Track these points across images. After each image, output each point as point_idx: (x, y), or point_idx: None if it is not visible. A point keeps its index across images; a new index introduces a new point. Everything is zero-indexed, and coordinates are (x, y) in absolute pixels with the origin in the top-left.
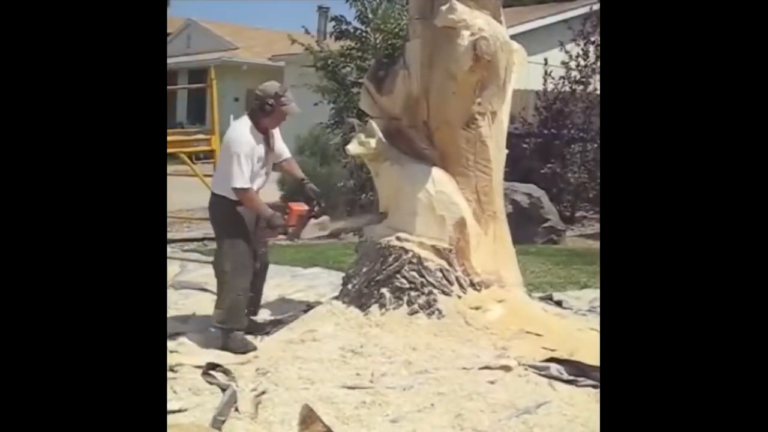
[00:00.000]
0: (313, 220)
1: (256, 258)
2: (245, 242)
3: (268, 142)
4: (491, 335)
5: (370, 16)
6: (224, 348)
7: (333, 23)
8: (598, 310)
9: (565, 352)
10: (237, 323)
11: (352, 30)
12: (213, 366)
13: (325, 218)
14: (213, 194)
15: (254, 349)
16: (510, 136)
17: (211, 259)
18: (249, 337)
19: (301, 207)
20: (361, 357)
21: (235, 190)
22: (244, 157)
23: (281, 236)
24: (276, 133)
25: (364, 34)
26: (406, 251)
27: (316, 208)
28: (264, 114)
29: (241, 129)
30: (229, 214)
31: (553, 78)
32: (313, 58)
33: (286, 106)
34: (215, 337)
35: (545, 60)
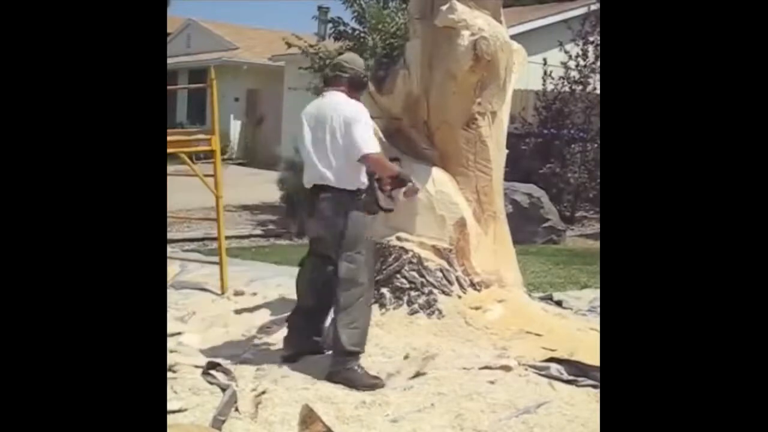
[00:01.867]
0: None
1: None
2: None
3: None
4: (491, 335)
5: (366, 16)
6: (349, 381)
7: (331, 24)
8: (598, 310)
9: (565, 352)
10: (364, 347)
11: (350, 31)
12: (213, 366)
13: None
14: (331, 189)
15: (383, 385)
16: (510, 136)
17: (211, 258)
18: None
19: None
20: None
21: (368, 156)
22: (371, 122)
23: (412, 190)
24: None
25: (361, 35)
26: (406, 251)
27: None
28: (356, 88)
29: (347, 100)
30: (362, 216)
31: (552, 78)
32: (310, 60)
33: (367, 81)
34: (315, 363)
35: (544, 60)
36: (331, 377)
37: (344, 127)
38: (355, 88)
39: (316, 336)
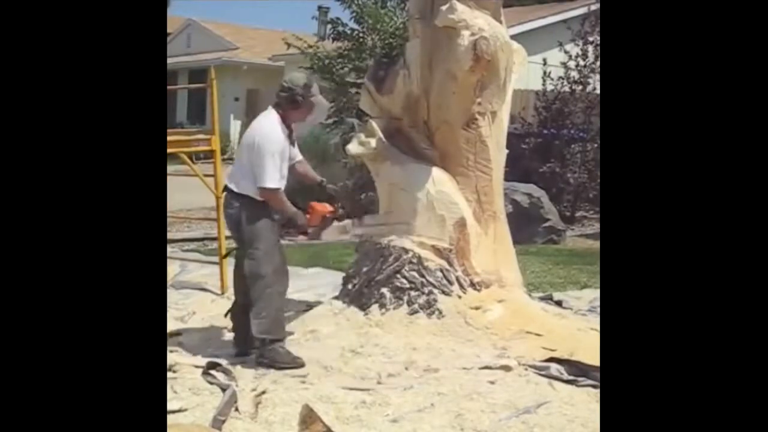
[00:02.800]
0: (336, 222)
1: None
2: (279, 245)
3: (291, 138)
4: (491, 335)
5: (365, 17)
6: (267, 362)
7: (330, 25)
8: (598, 310)
9: (565, 352)
10: (281, 333)
11: (348, 31)
12: (213, 366)
13: (347, 222)
14: (234, 194)
15: (303, 364)
16: (510, 136)
17: (211, 258)
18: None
19: (324, 207)
20: (362, 357)
21: (264, 190)
22: (278, 155)
23: (302, 236)
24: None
25: (360, 35)
26: (406, 251)
27: (340, 210)
28: (293, 107)
29: (272, 124)
30: (261, 215)
31: (552, 78)
32: (309, 60)
33: (315, 97)
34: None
35: (544, 60)
36: (257, 363)
37: (254, 153)
38: (292, 107)
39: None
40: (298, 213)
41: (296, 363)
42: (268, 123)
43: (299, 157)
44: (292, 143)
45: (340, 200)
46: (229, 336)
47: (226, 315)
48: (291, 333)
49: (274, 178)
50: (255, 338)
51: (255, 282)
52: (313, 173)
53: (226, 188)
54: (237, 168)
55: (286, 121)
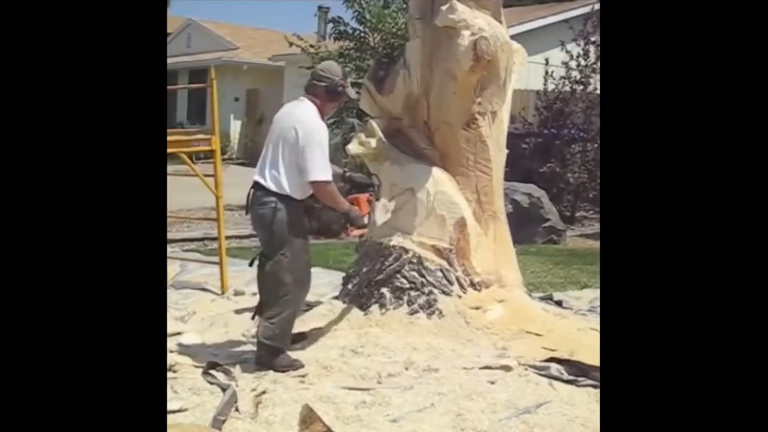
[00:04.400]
0: (377, 203)
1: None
2: (308, 253)
3: None
4: (491, 335)
5: (368, 16)
6: (266, 365)
7: (331, 24)
8: (598, 310)
9: (565, 352)
10: (284, 343)
11: (350, 31)
12: (213, 366)
13: (383, 200)
14: (268, 191)
15: (301, 367)
16: (510, 136)
17: (211, 258)
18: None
19: (363, 195)
20: (362, 357)
21: (317, 183)
22: (325, 146)
23: (359, 231)
24: None
25: (362, 35)
26: (406, 251)
27: (373, 190)
28: (331, 98)
29: (313, 115)
30: (295, 219)
31: (554, 78)
32: (311, 60)
33: (349, 89)
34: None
35: (546, 60)
36: (256, 364)
37: (300, 145)
38: (330, 97)
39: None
40: (353, 207)
41: (294, 366)
42: (309, 113)
43: None
44: None
45: (367, 184)
46: (228, 336)
47: (253, 317)
48: (304, 337)
49: (326, 170)
50: (258, 340)
51: (274, 286)
52: (335, 166)
53: (256, 185)
54: (271, 163)
55: (321, 111)
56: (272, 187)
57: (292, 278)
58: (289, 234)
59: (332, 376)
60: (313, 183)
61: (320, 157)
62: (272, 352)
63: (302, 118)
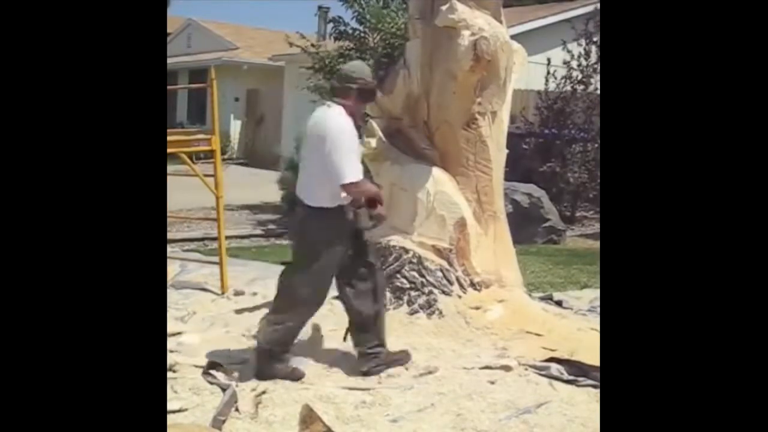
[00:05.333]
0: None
1: (367, 278)
2: (333, 269)
3: (360, 132)
4: (491, 335)
5: (367, 16)
6: (263, 372)
7: (331, 24)
8: (598, 310)
9: (565, 352)
10: (286, 350)
11: (350, 31)
12: (213, 365)
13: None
14: (305, 206)
15: (303, 376)
16: (510, 135)
17: (211, 258)
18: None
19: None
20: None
21: (348, 186)
22: (356, 151)
23: (382, 220)
24: None
25: (362, 35)
26: (406, 251)
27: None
28: (365, 99)
29: (341, 118)
30: (326, 233)
31: (555, 78)
32: (311, 60)
33: (375, 88)
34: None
35: (548, 60)
36: (255, 372)
37: (326, 151)
38: (363, 99)
39: (379, 342)
40: (380, 192)
41: (294, 376)
42: (336, 118)
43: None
44: (360, 137)
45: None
46: (228, 336)
47: (345, 339)
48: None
49: (356, 170)
50: (258, 344)
51: (293, 295)
52: None
53: (296, 196)
54: (306, 177)
55: (353, 114)
56: (308, 202)
57: (309, 292)
58: (316, 248)
59: (332, 376)
60: (344, 186)
61: (348, 159)
62: (271, 357)
63: (329, 124)
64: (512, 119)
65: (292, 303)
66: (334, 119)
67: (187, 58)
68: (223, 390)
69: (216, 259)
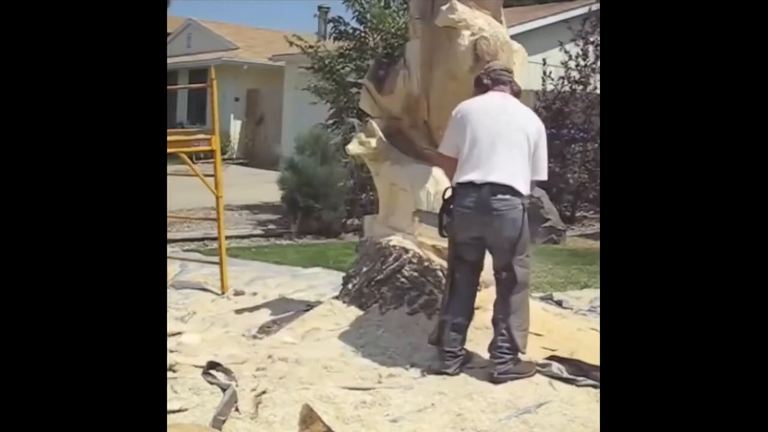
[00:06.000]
0: None
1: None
2: None
3: None
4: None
5: (368, 17)
6: (514, 375)
7: (331, 24)
8: (598, 310)
9: (565, 351)
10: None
11: (350, 31)
12: (213, 366)
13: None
14: (517, 194)
15: (534, 371)
16: None
17: (211, 258)
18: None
19: None
20: (362, 357)
21: (542, 182)
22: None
23: None
24: None
25: (362, 35)
26: (406, 251)
27: None
28: (514, 92)
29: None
30: (526, 218)
31: (552, 78)
32: (310, 60)
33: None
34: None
35: (544, 60)
36: (499, 373)
37: (535, 143)
38: (514, 91)
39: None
40: None
41: (531, 370)
42: (531, 112)
43: None
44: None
45: None
46: (228, 336)
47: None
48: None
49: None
50: (515, 350)
51: (521, 291)
52: None
53: (503, 187)
54: (518, 164)
55: None
56: (522, 190)
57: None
58: (529, 234)
59: (332, 376)
60: (540, 183)
61: (546, 156)
62: (519, 361)
63: (529, 119)
64: None
65: (524, 296)
66: (532, 114)
67: (187, 58)
68: (223, 390)
69: (216, 259)
